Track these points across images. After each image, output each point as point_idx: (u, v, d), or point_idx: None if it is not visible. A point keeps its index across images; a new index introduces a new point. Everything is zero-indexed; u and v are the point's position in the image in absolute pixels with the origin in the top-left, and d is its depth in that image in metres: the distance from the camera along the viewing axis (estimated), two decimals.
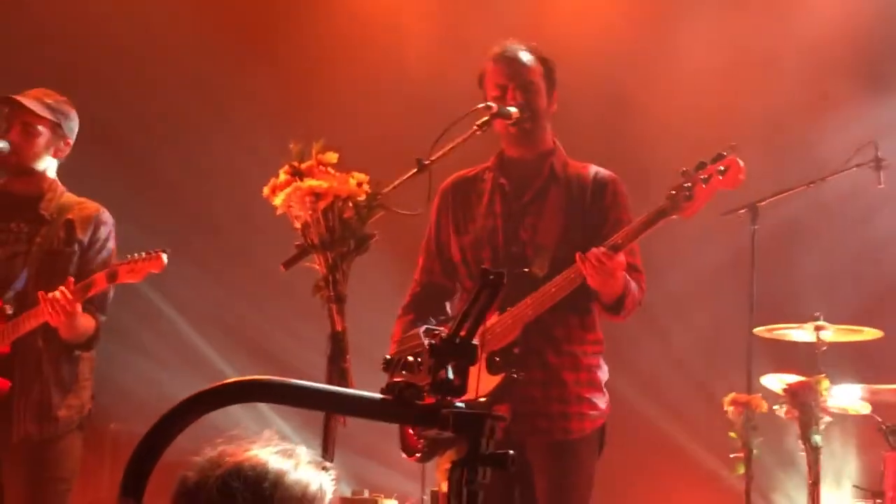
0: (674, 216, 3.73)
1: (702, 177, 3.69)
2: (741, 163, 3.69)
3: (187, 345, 6.55)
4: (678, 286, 6.39)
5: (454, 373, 1.59)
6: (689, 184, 3.70)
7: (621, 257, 3.74)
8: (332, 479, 1.83)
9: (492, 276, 1.61)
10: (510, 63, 4.06)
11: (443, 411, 1.58)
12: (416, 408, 1.60)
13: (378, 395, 1.64)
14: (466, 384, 1.61)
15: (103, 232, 4.57)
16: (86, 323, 4.42)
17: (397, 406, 1.61)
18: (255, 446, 1.81)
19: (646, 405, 6.56)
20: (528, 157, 4.11)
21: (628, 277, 3.87)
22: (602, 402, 4.06)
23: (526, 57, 4.08)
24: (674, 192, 3.72)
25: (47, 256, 4.48)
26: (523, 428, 3.91)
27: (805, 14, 6.64)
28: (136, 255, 4.37)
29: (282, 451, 1.82)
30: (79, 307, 4.32)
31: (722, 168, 3.69)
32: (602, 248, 3.71)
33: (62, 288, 4.27)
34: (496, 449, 1.54)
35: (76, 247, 4.51)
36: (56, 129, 4.54)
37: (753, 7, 6.95)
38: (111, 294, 4.55)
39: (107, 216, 4.61)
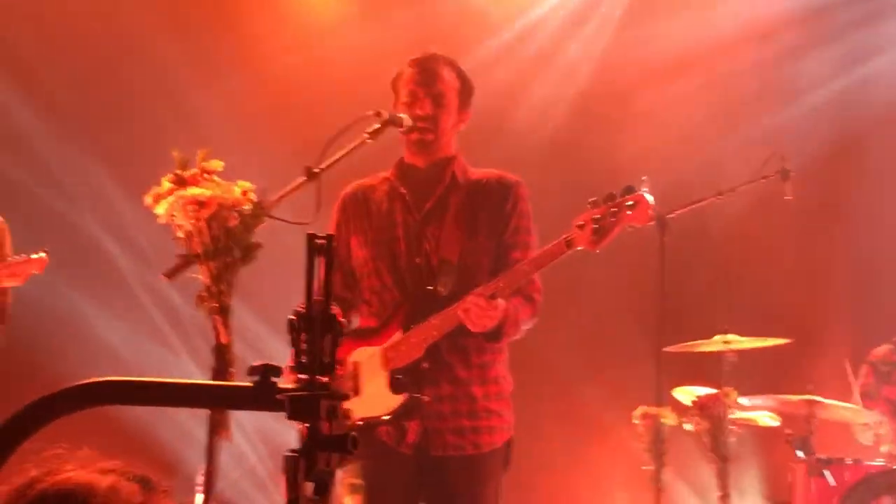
0: (581, 248, 3.62)
1: (612, 209, 3.56)
2: (650, 199, 3.54)
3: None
4: (587, 297, 6.35)
5: (320, 348, 1.44)
6: (599, 215, 3.57)
7: (499, 303, 3.67)
8: (162, 497, 1.61)
9: (318, 241, 1.47)
10: (426, 71, 3.97)
11: (279, 395, 1.43)
12: (266, 392, 1.43)
13: (236, 383, 1.50)
14: (335, 360, 1.45)
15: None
16: None
17: (253, 392, 1.45)
18: (70, 468, 1.58)
19: (556, 418, 6.52)
20: (427, 164, 4.00)
21: (509, 305, 3.76)
22: (509, 414, 3.98)
23: (445, 69, 3.99)
24: (582, 223, 3.60)
25: None
26: (434, 444, 3.84)
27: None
28: (15, 256, 4.27)
29: (99, 470, 1.59)
30: None
31: (630, 203, 3.54)
32: (479, 300, 3.63)
33: None
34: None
35: None
36: None
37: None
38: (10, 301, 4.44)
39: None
